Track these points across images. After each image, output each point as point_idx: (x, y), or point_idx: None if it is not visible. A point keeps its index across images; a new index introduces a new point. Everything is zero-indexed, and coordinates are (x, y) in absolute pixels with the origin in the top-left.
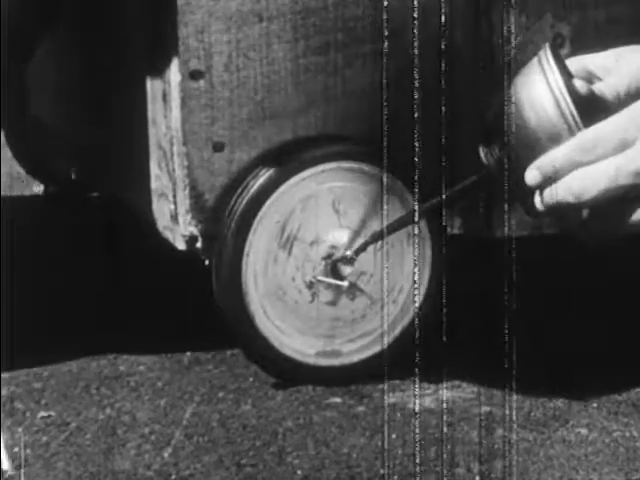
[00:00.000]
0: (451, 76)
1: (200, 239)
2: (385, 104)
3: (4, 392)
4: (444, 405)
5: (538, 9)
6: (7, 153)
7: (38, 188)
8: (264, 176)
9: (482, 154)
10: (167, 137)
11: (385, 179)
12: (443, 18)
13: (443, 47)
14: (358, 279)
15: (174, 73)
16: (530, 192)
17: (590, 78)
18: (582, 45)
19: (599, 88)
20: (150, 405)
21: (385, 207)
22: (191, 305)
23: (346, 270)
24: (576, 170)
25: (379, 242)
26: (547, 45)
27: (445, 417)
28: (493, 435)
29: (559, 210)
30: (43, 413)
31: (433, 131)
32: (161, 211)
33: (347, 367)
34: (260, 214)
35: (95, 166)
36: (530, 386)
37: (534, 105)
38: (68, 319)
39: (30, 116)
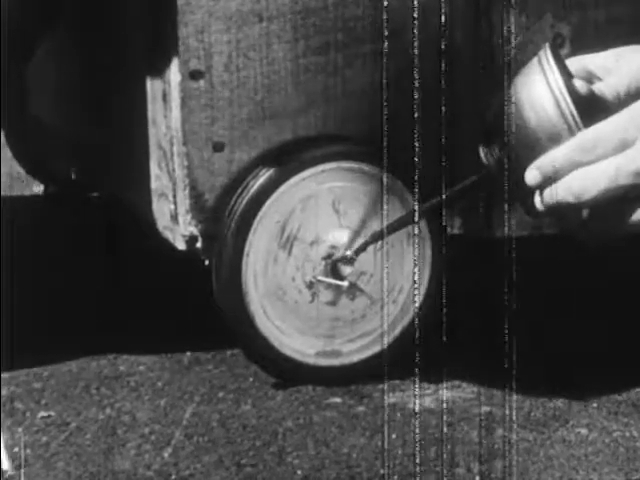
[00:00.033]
0: (451, 76)
1: (200, 239)
2: (385, 104)
3: (4, 392)
4: (444, 405)
5: (538, 9)
6: (7, 153)
7: (38, 188)
8: (264, 176)
9: (482, 154)
10: (167, 137)
11: (385, 179)
12: (443, 18)
13: (443, 47)
14: (358, 279)
15: (174, 73)
16: (530, 192)
17: (590, 78)
18: (582, 45)
19: (599, 88)
20: (150, 405)
21: (385, 207)
22: (191, 305)
23: (346, 270)
24: (576, 170)
25: (379, 242)
26: (547, 45)
27: (445, 417)
28: (493, 435)
29: (559, 210)
30: (43, 413)
31: (433, 131)
32: (161, 211)
33: (347, 367)
34: (260, 214)
35: (95, 166)
36: (530, 386)
37: (534, 105)
38: (68, 319)
39: (30, 116)
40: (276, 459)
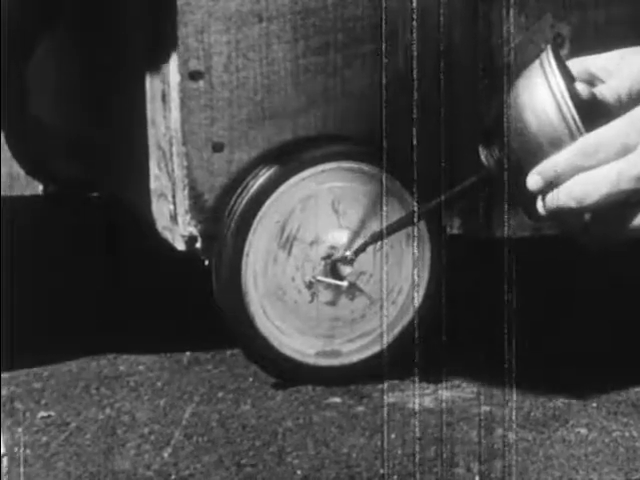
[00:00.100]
0: (450, 76)
1: (199, 239)
2: (385, 104)
3: (4, 392)
4: (444, 405)
5: (538, 9)
6: (7, 153)
7: (39, 187)
8: (264, 176)
9: (482, 155)
10: (166, 137)
11: (385, 179)
12: (442, 18)
13: (442, 48)
14: (357, 279)
15: (173, 73)
16: (532, 197)
17: (592, 80)
18: (582, 45)
19: (600, 91)
20: (150, 405)
21: (385, 208)
22: (191, 305)
23: (346, 270)
24: (578, 175)
25: (379, 242)
26: (549, 48)
27: (445, 417)
28: (493, 435)
29: (561, 215)
30: (43, 413)
31: (432, 131)
32: (160, 211)
33: (347, 367)
34: (260, 214)
35: (95, 166)
36: (530, 386)
37: (536, 109)
38: (68, 319)
39: (30, 116)
40: (276, 459)
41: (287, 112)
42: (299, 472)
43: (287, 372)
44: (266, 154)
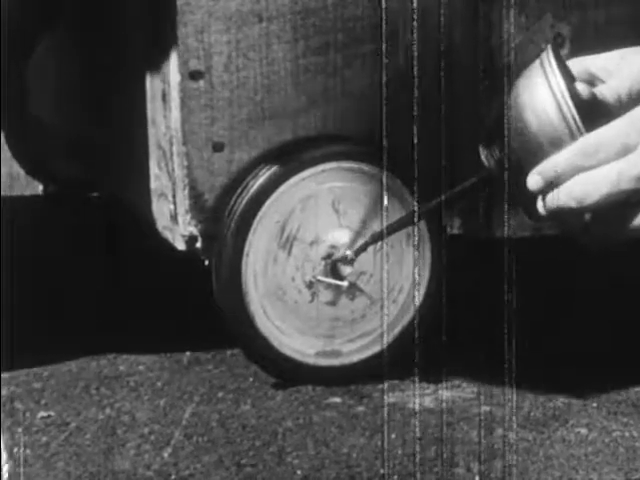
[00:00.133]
0: (450, 76)
1: (200, 239)
2: (385, 104)
3: (4, 392)
4: (444, 405)
5: (538, 9)
6: (7, 153)
7: (39, 187)
8: (264, 176)
9: (483, 155)
10: (167, 137)
11: (385, 179)
12: (442, 19)
13: (442, 48)
14: (358, 279)
15: (174, 73)
16: (532, 197)
17: (592, 80)
18: (582, 45)
19: (600, 91)
20: (150, 405)
21: (385, 208)
22: (191, 305)
23: (346, 270)
24: (578, 175)
25: (379, 242)
26: (549, 48)
27: (445, 417)
28: (493, 435)
29: (561, 215)
30: (43, 413)
31: (433, 131)
32: (161, 211)
33: (347, 367)
34: (260, 214)
35: (95, 166)
36: (530, 386)
37: (536, 109)
38: (68, 319)
39: (30, 116)
40: (276, 459)
41: (287, 112)
42: (299, 472)
43: (287, 372)
44: (266, 154)
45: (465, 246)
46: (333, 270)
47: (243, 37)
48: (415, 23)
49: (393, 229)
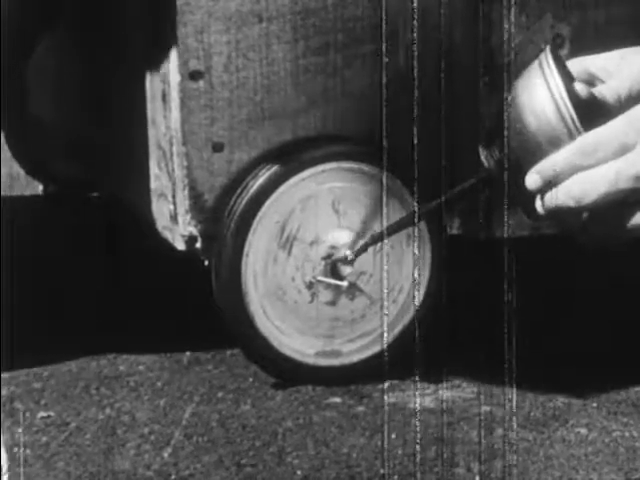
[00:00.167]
0: (450, 76)
1: (199, 239)
2: (385, 104)
3: (4, 392)
4: (444, 405)
5: (538, 9)
6: (7, 153)
7: (39, 187)
8: (264, 176)
9: (482, 156)
10: (166, 137)
11: (385, 179)
12: (442, 18)
13: (442, 48)
14: (358, 279)
15: (173, 73)
16: (531, 196)
17: (591, 80)
18: (582, 45)
19: (600, 91)
20: (150, 405)
21: (385, 208)
22: (191, 305)
23: (346, 270)
24: (576, 174)
25: (379, 243)
26: (548, 48)
27: (445, 417)
28: (493, 435)
29: (559, 214)
30: (43, 413)
31: (433, 131)
32: (160, 211)
33: (347, 367)
34: (260, 214)
35: (95, 166)
36: (530, 386)
37: (534, 109)
38: (68, 319)
39: (30, 116)
40: (276, 459)
41: (287, 112)
42: (299, 472)
43: (287, 372)
44: (266, 154)
45: (465, 246)
46: (333, 270)
47: (243, 37)
48: (415, 23)
49: (393, 230)
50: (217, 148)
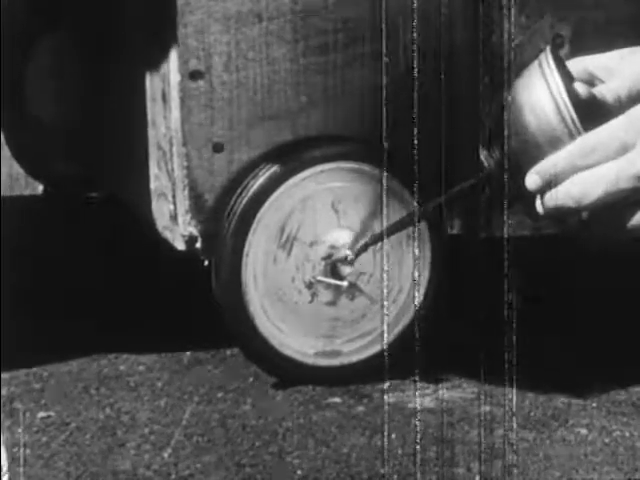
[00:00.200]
0: (450, 77)
1: (199, 239)
2: (385, 104)
3: (4, 392)
4: (444, 405)
5: (538, 9)
6: (7, 153)
7: (39, 187)
8: (263, 176)
9: (482, 156)
10: (167, 137)
11: (385, 179)
12: (442, 18)
13: (442, 48)
14: (358, 279)
15: (174, 73)
16: (531, 196)
17: (592, 80)
18: (582, 45)
19: (600, 91)
20: (150, 405)
21: (385, 208)
22: (191, 305)
23: (346, 270)
24: (576, 174)
25: (379, 243)
26: (548, 48)
27: (445, 417)
28: (493, 435)
29: (559, 214)
30: (43, 413)
31: (433, 131)
32: (160, 211)
33: (347, 367)
34: (260, 214)
35: (95, 166)
36: (530, 386)
37: (534, 109)
38: (68, 319)
39: (30, 116)
40: (276, 459)
41: (287, 112)
42: (299, 472)
43: (287, 372)
44: (266, 154)
45: (465, 246)
46: (333, 270)
47: (243, 37)
48: (415, 23)
49: (393, 230)
50: (217, 148)
